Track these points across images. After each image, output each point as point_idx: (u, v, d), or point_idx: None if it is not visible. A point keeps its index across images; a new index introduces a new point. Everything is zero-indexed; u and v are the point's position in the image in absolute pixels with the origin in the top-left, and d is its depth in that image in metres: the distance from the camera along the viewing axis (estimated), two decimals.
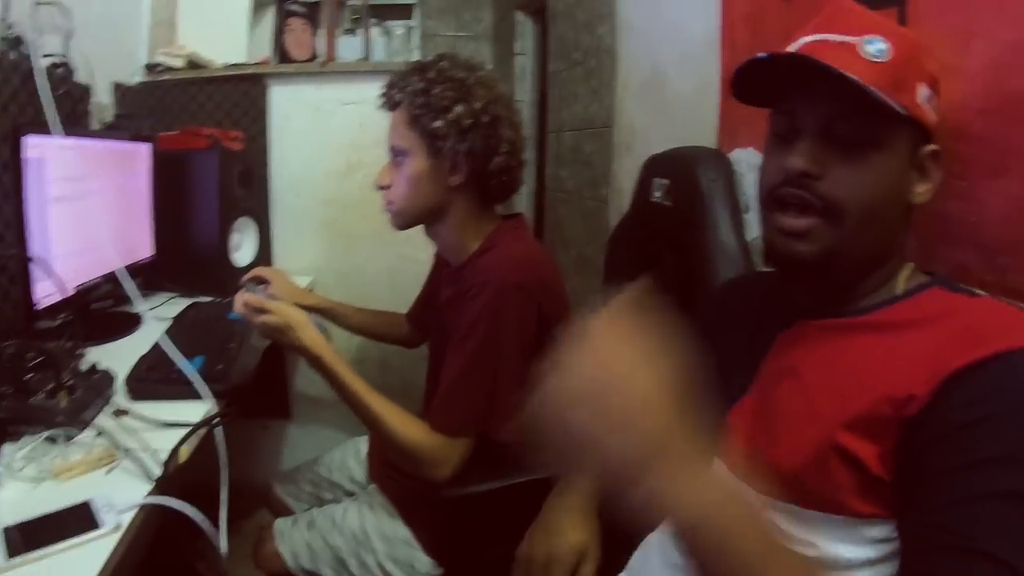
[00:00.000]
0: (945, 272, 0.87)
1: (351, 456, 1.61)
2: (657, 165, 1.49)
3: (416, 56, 2.61)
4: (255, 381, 1.49)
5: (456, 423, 1.19)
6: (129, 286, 1.08)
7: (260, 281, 1.55)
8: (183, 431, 1.01)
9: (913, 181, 0.75)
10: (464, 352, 1.20)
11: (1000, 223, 0.85)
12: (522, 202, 4.50)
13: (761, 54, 0.75)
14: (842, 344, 0.75)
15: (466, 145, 1.24)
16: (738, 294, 1.01)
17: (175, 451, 0.92)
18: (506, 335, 1.19)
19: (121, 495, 0.84)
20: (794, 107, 0.76)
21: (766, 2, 1.30)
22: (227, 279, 1.82)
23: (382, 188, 1.33)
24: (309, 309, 1.62)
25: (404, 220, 1.34)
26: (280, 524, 1.41)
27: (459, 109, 1.22)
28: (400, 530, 1.32)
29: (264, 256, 2.14)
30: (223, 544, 0.96)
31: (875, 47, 0.71)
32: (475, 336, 1.19)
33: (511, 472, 1.23)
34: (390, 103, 1.30)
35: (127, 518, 0.80)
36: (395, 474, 1.37)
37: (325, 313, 1.68)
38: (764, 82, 0.78)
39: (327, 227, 2.30)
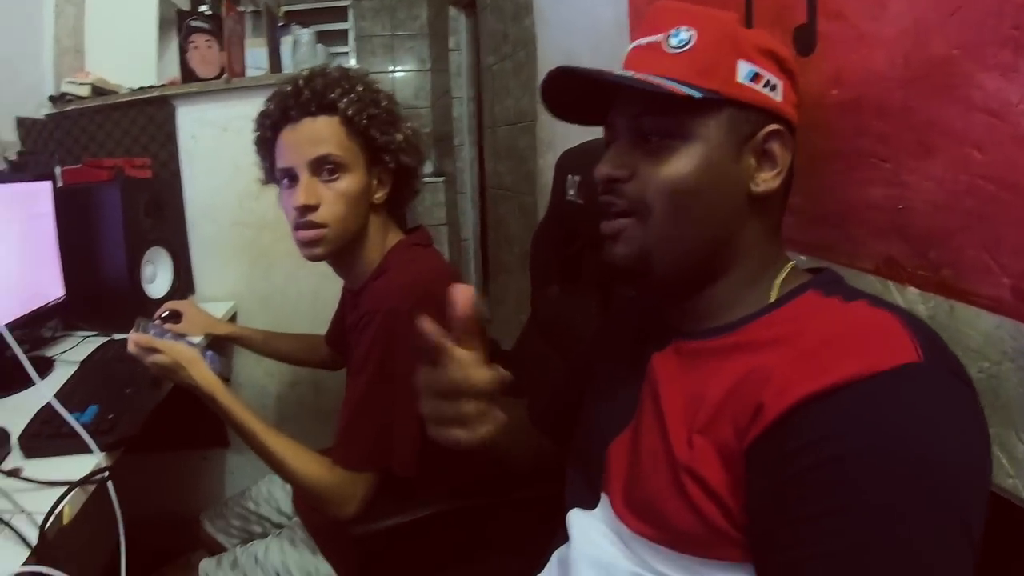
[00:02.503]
0: (874, 268, 0.84)
1: (278, 487, 1.59)
2: (570, 160, 1.45)
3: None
4: (189, 412, 1.48)
5: (356, 458, 1.16)
6: (11, 341, 1.06)
7: (175, 315, 1.53)
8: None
9: (749, 168, 0.72)
10: (358, 385, 1.17)
11: (930, 211, 0.76)
12: (467, 199, 4.50)
13: (547, 73, 0.76)
14: (704, 367, 0.72)
15: (405, 162, 1.22)
16: (622, 313, 0.97)
17: (51, 513, 0.90)
18: (400, 365, 1.13)
19: None
20: (611, 116, 0.77)
21: None
22: (142, 313, 1.79)
23: (308, 208, 1.18)
24: (224, 339, 1.60)
25: (332, 247, 1.22)
26: (205, 565, 1.39)
27: (406, 126, 1.20)
28: (322, 566, 1.30)
29: (183, 284, 2.10)
30: None
31: (678, 39, 0.71)
32: (368, 368, 1.15)
33: (419, 505, 1.20)
34: (322, 106, 1.18)
35: None
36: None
37: (240, 341, 1.65)
38: (589, 98, 0.78)
39: (244, 251, 2.26)
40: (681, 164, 0.70)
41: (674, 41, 0.71)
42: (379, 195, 1.24)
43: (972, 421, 0.57)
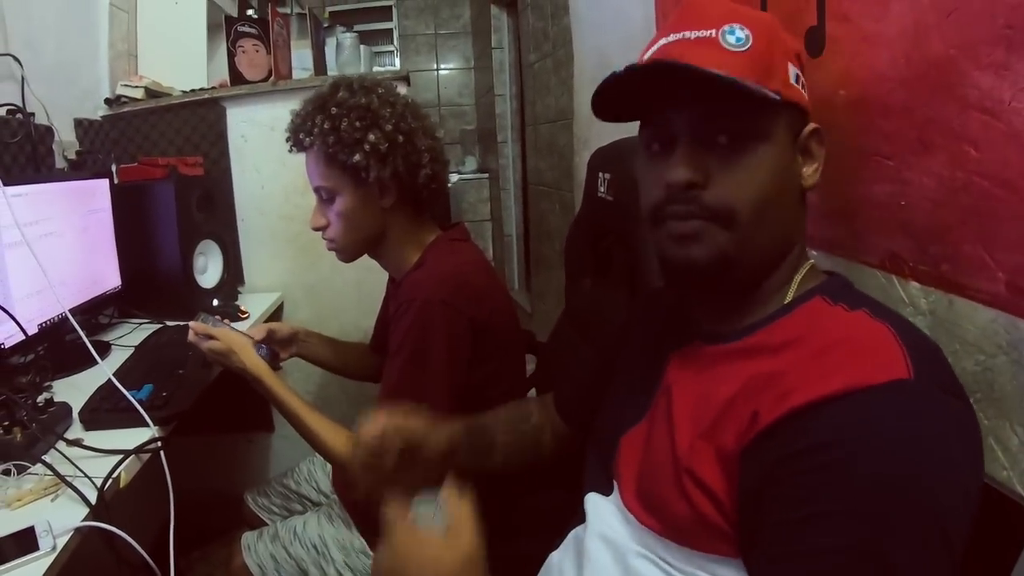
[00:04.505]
0: (878, 263, 0.85)
1: (319, 467, 1.66)
2: (600, 159, 1.47)
3: (362, 68, 2.64)
4: (238, 397, 1.54)
5: None
6: (75, 324, 1.15)
7: (225, 316, 1.60)
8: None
9: (800, 165, 0.73)
10: (394, 369, 1.22)
11: (929, 207, 0.78)
12: (510, 195, 4.54)
13: (618, 70, 0.70)
14: (715, 371, 0.73)
15: (389, 169, 1.25)
16: (650, 307, 0.98)
17: (109, 477, 0.99)
18: (435, 352, 1.20)
19: (61, 520, 0.90)
20: (665, 116, 0.72)
21: None
22: (194, 302, 1.90)
23: (318, 230, 1.34)
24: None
25: (349, 254, 1.36)
26: (247, 538, 1.46)
27: (372, 137, 1.22)
28: (356, 540, 1.36)
29: (233, 276, 2.20)
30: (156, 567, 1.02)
31: (735, 36, 0.68)
32: (402, 354, 1.21)
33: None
34: (299, 146, 1.30)
35: (63, 541, 0.87)
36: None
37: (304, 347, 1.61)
38: (629, 95, 0.74)
39: (290, 243, 2.35)
40: (760, 167, 0.69)
41: (731, 39, 0.68)
42: (387, 200, 1.30)
43: (958, 438, 0.58)
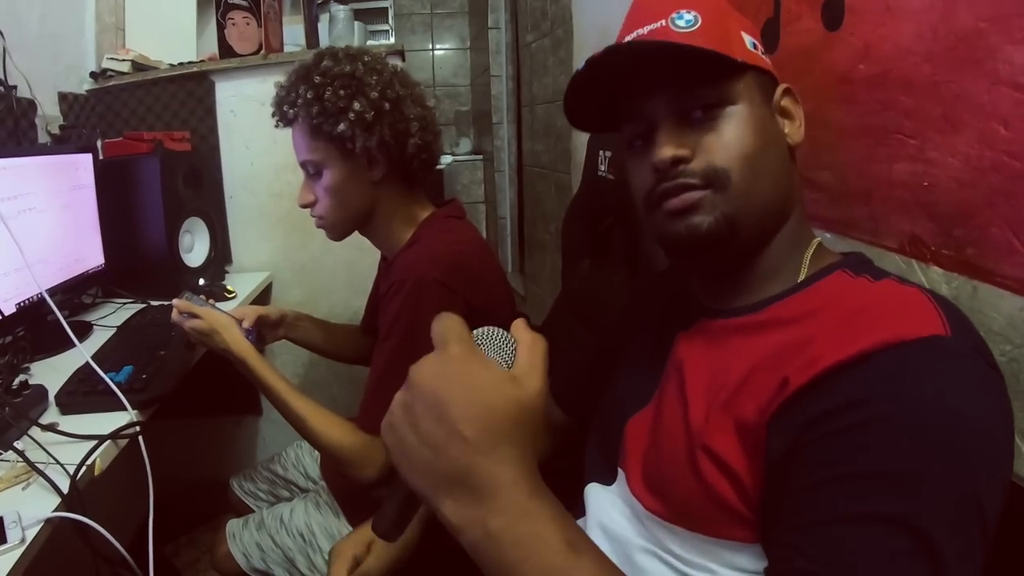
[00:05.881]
0: (898, 247, 0.83)
1: (306, 452, 1.63)
2: (602, 137, 1.46)
3: (356, 42, 2.58)
4: (224, 380, 1.49)
5: (378, 422, 1.17)
6: (52, 305, 1.10)
7: (210, 295, 1.57)
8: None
9: (780, 125, 0.74)
10: (384, 351, 1.19)
11: (955, 188, 0.75)
12: (504, 177, 4.50)
13: (580, 67, 0.73)
14: (729, 345, 0.72)
15: (376, 138, 1.21)
16: (651, 293, 0.97)
17: (82, 465, 0.94)
18: (426, 333, 1.15)
19: (31, 510, 0.86)
20: (639, 108, 0.74)
21: None
22: (179, 281, 1.85)
23: (306, 207, 1.30)
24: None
25: (339, 231, 1.32)
26: (231, 525, 1.43)
27: (357, 105, 1.18)
28: (344, 528, 1.34)
29: (220, 255, 2.15)
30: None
31: (684, 20, 0.71)
32: (395, 335, 1.17)
33: None
34: (284, 120, 1.26)
35: (32, 533, 0.82)
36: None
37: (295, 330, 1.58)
38: (596, 100, 0.77)
39: (280, 222, 2.31)
40: (740, 127, 0.71)
41: (680, 22, 0.71)
42: (376, 172, 1.26)
43: (995, 401, 0.56)
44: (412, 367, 0.55)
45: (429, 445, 0.51)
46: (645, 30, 0.72)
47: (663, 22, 0.71)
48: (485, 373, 0.54)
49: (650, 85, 0.72)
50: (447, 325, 0.58)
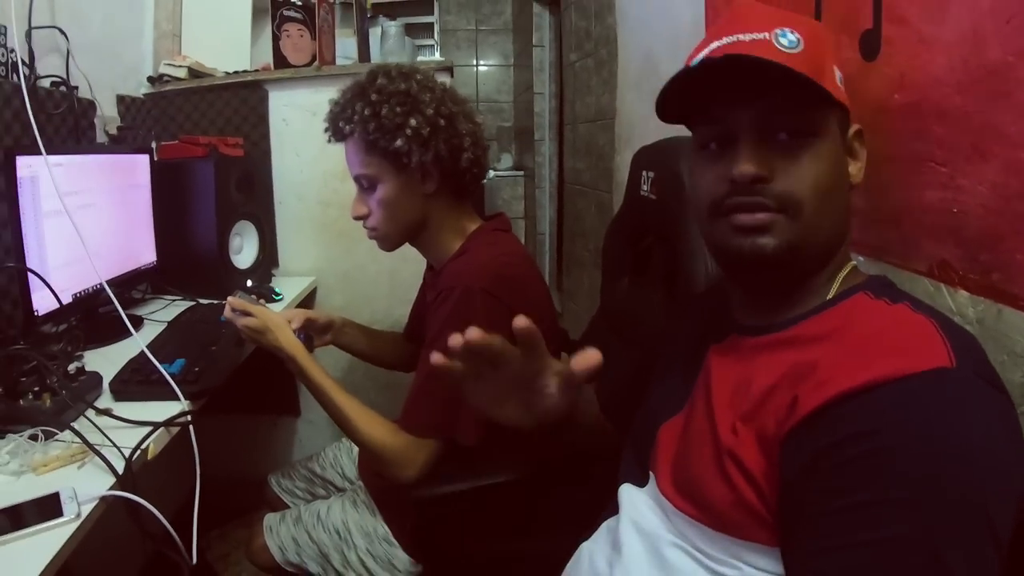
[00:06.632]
0: (926, 271, 0.85)
1: (345, 453, 1.66)
2: (644, 157, 1.46)
3: (406, 58, 2.64)
4: (265, 379, 1.52)
5: (421, 424, 1.21)
6: (111, 295, 1.16)
7: (260, 295, 1.62)
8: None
9: (847, 163, 0.75)
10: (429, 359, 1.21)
11: (982, 215, 0.77)
12: (544, 194, 4.54)
13: (689, 65, 0.73)
14: (753, 361, 0.75)
15: (431, 153, 1.24)
16: (691, 311, 1.00)
17: (137, 449, 0.99)
18: None
19: (87, 488, 0.91)
20: (724, 114, 0.74)
21: None
22: (228, 281, 1.92)
23: (359, 219, 1.34)
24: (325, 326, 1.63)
25: (392, 243, 1.36)
26: (269, 519, 1.47)
27: (414, 122, 1.22)
28: (380, 527, 1.36)
29: (268, 258, 2.21)
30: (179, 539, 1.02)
31: (787, 39, 0.70)
32: (442, 340, 1.18)
33: (480, 475, 1.25)
34: (339, 135, 1.30)
35: (87, 508, 0.87)
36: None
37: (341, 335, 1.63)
38: (685, 95, 0.76)
39: (327, 228, 2.36)
40: (820, 161, 0.71)
41: (784, 41, 0.70)
42: (429, 186, 1.30)
43: (1002, 428, 0.58)
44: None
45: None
46: (747, 38, 0.72)
47: (766, 35, 0.71)
48: None
49: (742, 95, 0.72)
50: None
